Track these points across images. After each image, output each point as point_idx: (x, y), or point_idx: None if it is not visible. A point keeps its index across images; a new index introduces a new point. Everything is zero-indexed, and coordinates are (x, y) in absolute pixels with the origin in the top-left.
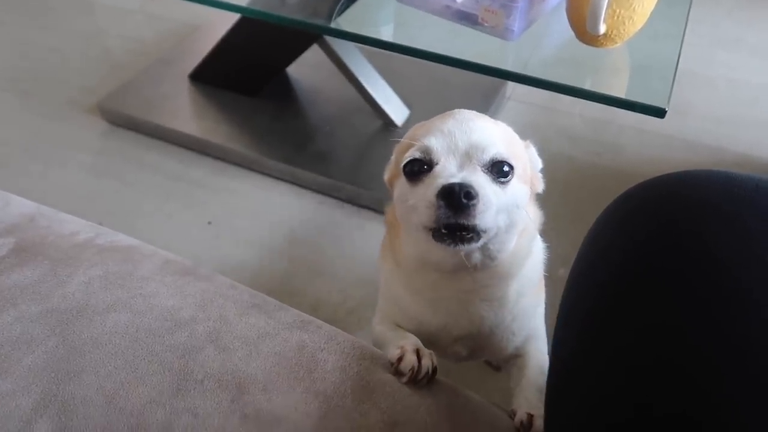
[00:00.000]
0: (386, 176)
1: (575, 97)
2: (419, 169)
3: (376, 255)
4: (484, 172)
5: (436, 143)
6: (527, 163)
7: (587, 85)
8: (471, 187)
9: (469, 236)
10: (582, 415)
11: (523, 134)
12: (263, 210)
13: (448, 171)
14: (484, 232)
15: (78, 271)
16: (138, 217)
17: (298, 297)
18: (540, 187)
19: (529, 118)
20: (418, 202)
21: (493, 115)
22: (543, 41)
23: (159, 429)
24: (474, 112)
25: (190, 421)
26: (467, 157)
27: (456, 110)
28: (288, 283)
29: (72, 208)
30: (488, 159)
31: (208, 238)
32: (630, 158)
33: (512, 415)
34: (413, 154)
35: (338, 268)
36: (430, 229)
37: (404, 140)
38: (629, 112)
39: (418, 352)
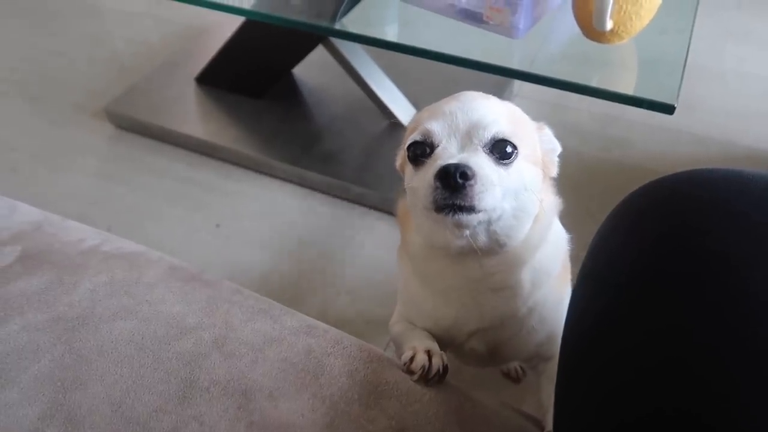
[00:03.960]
0: (397, 163)
1: (582, 94)
2: (422, 152)
3: (384, 256)
4: (485, 152)
5: (436, 126)
6: (537, 144)
7: (594, 83)
8: (467, 167)
9: (468, 206)
10: (590, 413)
11: None
12: (271, 212)
13: (448, 152)
14: (485, 211)
15: (84, 279)
16: (146, 220)
17: (307, 299)
18: (554, 171)
19: (537, 115)
20: (419, 185)
21: None
22: (549, 38)
23: None
24: (480, 93)
25: (196, 429)
26: (468, 137)
27: (463, 92)
28: (296, 285)
29: (80, 212)
30: (489, 138)
31: (216, 241)
32: (639, 153)
33: (542, 429)
34: (414, 137)
35: (347, 270)
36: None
37: (410, 124)
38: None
39: (429, 352)
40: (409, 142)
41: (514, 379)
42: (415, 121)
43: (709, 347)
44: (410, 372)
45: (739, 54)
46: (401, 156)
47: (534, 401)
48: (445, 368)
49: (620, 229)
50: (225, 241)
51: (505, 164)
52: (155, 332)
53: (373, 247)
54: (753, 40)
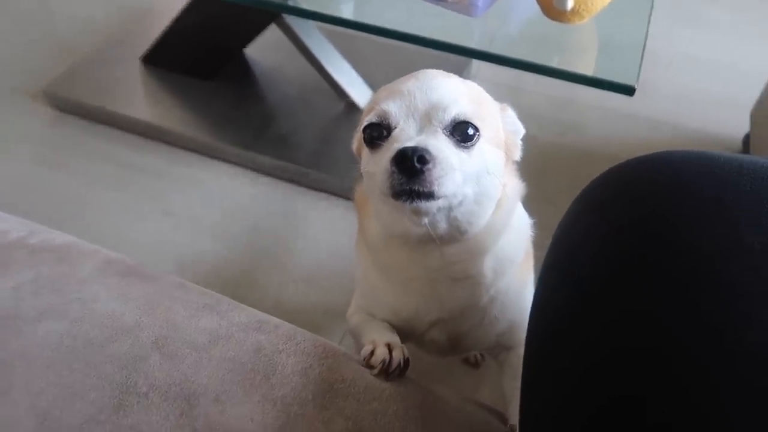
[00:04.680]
0: (353, 146)
1: (542, 75)
2: (378, 135)
3: (341, 242)
4: (445, 134)
5: (393, 106)
6: (500, 126)
7: (555, 63)
8: (425, 150)
9: (427, 192)
10: (555, 406)
11: None
12: (223, 198)
13: (406, 134)
14: (445, 197)
15: (7, 276)
16: (88, 209)
17: (261, 288)
18: (517, 154)
19: (494, 98)
20: (376, 169)
21: None
22: (509, 18)
23: None
24: (441, 71)
25: None
26: (427, 118)
27: (422, 70)
28: (250, 273)
29: (16, 201)
30: (449, 120)
31: (164, 230)
32: (593, 138)
33: (505, 422)
34: (371, 119)
35: (303, 257)
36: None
37: (367, 106)
38: (591, 90)
39: (389, 346)
40: (365, 123)
41: (473, 364)
42: (372, 102)
43: (676, 335)
44: (370, 366)
45: (690, 39)
46: (357, 139)
47: (491, 386)
48: (407, 362)
49: (582, 219)
50: (173, 229)
51: (466, 147)
52: (87, 333)
53: (329, 233)
54: (703, 25)
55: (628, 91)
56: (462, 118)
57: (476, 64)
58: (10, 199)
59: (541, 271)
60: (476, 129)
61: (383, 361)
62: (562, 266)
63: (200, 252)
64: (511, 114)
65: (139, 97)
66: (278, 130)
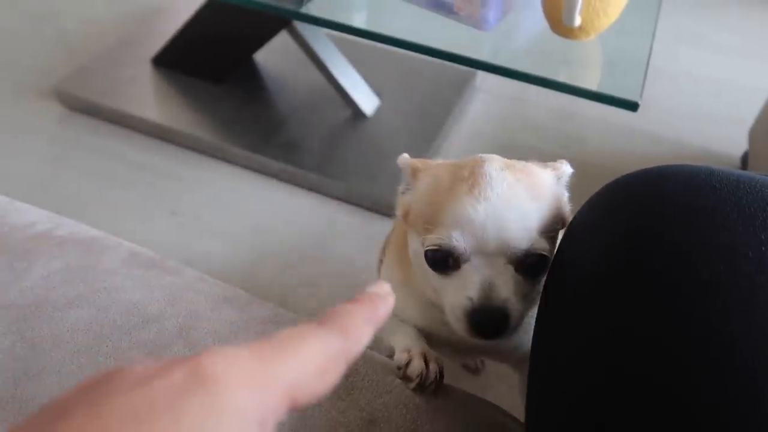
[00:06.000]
0: (399, 212)
1: (548, 88)
2: (444, 260)
3: (345, 247)
4: (515, 268)
5: (462, 242)
6: (560, 207)
7: (561, 77)
8: (504, 309)
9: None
10: (561, 410)
11: (492, 126)
12: (229, 200)
13: (477, 275)
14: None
15: (36, 265)
16: (96, 206)
17: (266, 290)
18: (569, 219)
19: (498, 110)
20: (446, 297)
21: (464, 107)
22: (517, 32)
23: None
24: (506, 172)
25: None
26: (498, 253)
27: (485, 169)
28: (255, 276)
29: (26, 198)
30: (521, 254)
31: (171, 229)
32: (594, 151)
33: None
34: (436, 243)
35: (306, 261)
36: None
37: (420, 182)
38: (595, 104)
39: (425, 357)
40: (429, 248)
41: (473, 370)
42: (433, 201)
43: (674, 353)
44: (406, 378)
45: (691, 57)
46: (403, 204)
47: (494, 394)
48: (441, 373)
49: (580, 235)
50: (180, 229)
51: (534, 278)
52: (114, 321)
53: (334, 237)
54: (705, 44)
55: (632, 106)
56: (533, 252)
57: (481, 75)
58: (20, 195)
59: (549, 271)
60: (546, 259)
61: (420, 375)
62: (568, 267)
63: (206, 252)
64: (566, 168)
65: (149, 97)
66: (286, 134)
